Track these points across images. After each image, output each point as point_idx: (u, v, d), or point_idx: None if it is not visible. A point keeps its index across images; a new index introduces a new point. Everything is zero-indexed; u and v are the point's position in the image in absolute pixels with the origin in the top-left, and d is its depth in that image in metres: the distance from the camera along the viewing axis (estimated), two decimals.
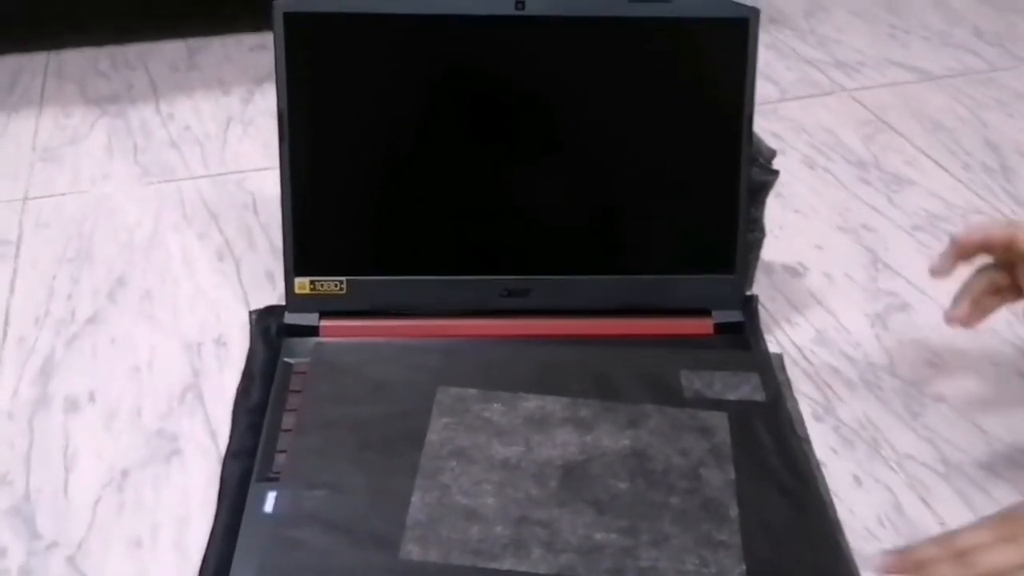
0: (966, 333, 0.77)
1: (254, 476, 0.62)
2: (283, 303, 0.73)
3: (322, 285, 0.72)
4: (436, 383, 0.67)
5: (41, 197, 0.92)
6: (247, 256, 0.84)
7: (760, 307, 0.78)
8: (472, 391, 0.66)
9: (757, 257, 0.79)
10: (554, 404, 0.65)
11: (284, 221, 0.71)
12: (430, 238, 0.73)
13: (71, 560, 0.59)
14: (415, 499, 0.59)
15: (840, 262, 0.85)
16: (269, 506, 0.60)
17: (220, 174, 0.95)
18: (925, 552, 0.53)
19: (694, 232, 0.74)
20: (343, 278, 0.72)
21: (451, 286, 0.73)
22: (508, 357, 0.69)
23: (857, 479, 0.65)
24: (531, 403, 0.65)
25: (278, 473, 0.62)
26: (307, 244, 0.72)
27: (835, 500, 0.64)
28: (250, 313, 0.76)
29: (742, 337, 0.74)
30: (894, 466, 0.66)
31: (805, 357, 0.75)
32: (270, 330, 0.74)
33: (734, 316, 0.74)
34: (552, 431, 0.63)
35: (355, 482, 0.60)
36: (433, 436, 0.63)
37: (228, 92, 1.09)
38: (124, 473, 0.65)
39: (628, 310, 0.74)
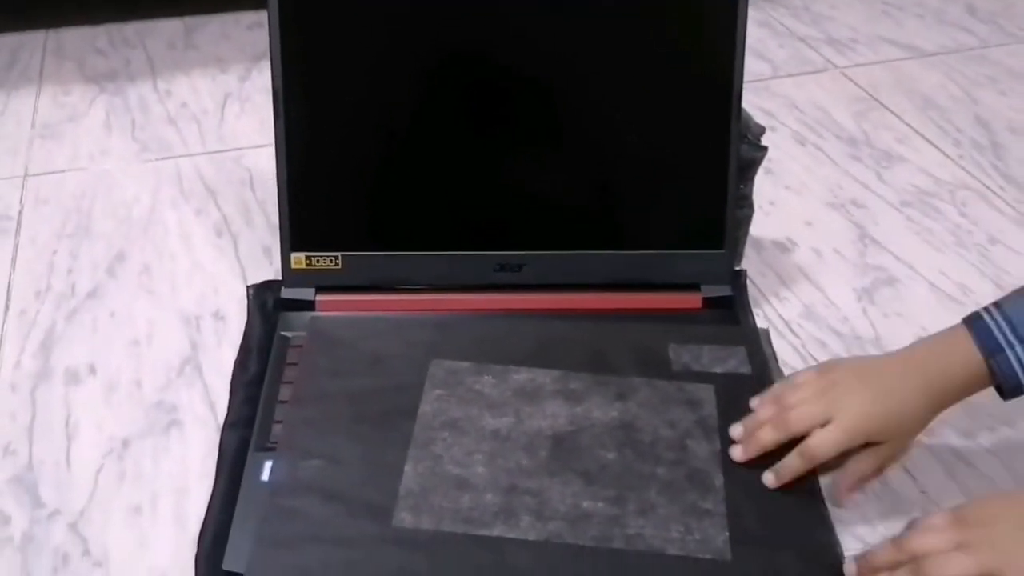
0: (953, 306, 0.78)
1: (252, 446, 0.63)
2: (280, 278, 0.74)
3: (318, 260, 0.74)
4: (430, 356, 0.68)
5: (41, 174, 0.93)
6: (244, 232, 0.85)
7: (749, 282, 0.79)
8: (465, 364, 0.67)
9: (746, 233, 0.80)
10: (544, 377, 0.67)
11: (280, 197, 0.72)
12: (424, 214, 0.74)
13: (73, 527, 0.61)
14: (408, 469, 0.60)
15: (829, 238, 0.86)
16: (266, 475, 0.61)
17: (218, 151, 0.96)
18: (883, 557, 0.55)
19: (684, 208, 0.75)
20: (338, 253, 0.74)
21: (445, 261, 0.74)
22: (501, 331, 0.70)
23: None
24: (522, 375, 0.67)
25: (275, 443, 0.63)
26: (303, 220, 0.73)
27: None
28: (247, 288, 0.77)
29: (731, 311, 0.75)
30: None
31: (793, 331, 0.76)
32: (267, 304, 0.75)
33: (723, 291, 0.75)
34: (542, 403, 0.65)
35: (349, 452, 0.61)
36: (426, 408, 0.64)
37: (225, 70, 1.10)
38: (124, 443, 0.66)
39: (619, 284, 0.75)
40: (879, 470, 0.63)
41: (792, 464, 0.60)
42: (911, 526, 0.58)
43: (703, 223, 0.74)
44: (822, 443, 0.60)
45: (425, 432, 0.63)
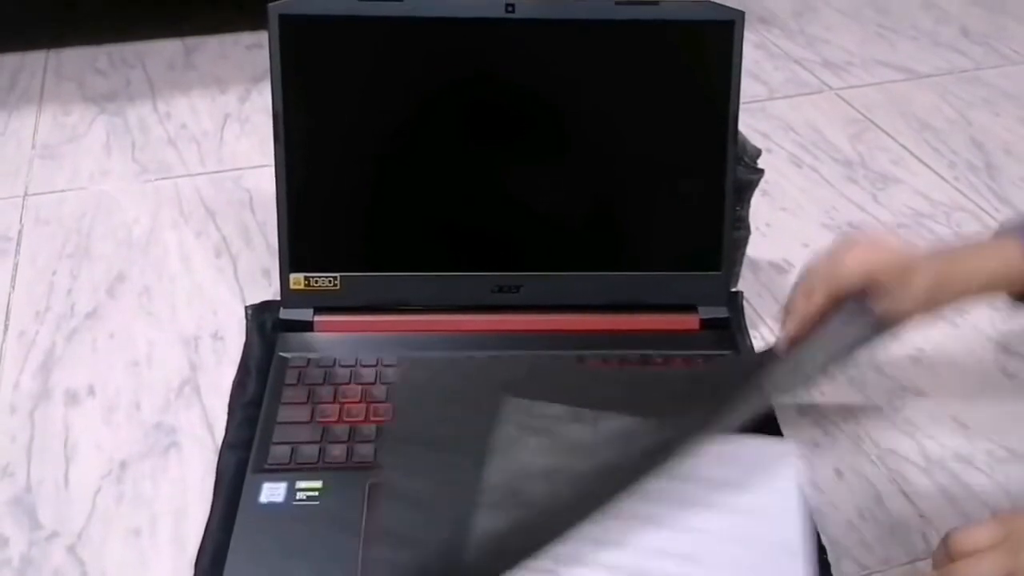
0: (949, 329, 0.79)
1: (250, 467, 0.63)
2: (279, 299, 0.74)
3: (316, 281, 0.74)
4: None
5: (41, 193, 0.93)
6: (244, 253, 0.86)
7: (746, 303, 0.80)
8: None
9: (743, 254, 0.80)
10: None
11: (279, 219, 0.72)
12: (422, 236, 0.74)
13: (71, 549, 0.61)
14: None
15: None
16: (264, 496, 0.61)
17: (217, 171, 0.97)
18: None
19: (681, 229, 0.75)
20: (337, 274, 0.74)
21: (443, 282, 0.74)
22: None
23: (839, 472, 0.67)
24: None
25: (273, 464, 0.63)
26: (302, 241, 0.73)
27: (817, 493, 0.65)
28: (246, 308, 0.77)
29: (727, 332, 0.75)
30: (875, 460, 0.68)
31: None
32: (266, 325, 0.75)
33: (719, 312, 0.75)
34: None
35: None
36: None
37: (225, 90, 1.11)
38: (123, 465, 0.66)
39: (616, 306, 0.75)
40: None
41: None
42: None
43: (700, 245, 0.75)
44: None
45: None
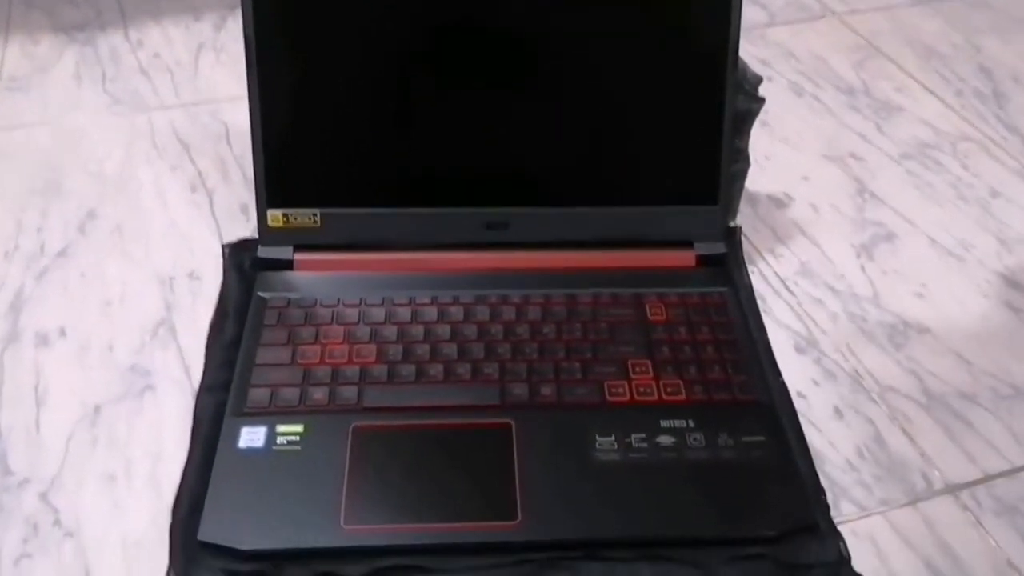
0: (954, 262, 0.76)
1: (228, 411, 0.61)
2: (257, 237, 0.71)
3: (295, 218, 0.71)
4: None
5: (8, 128, 0.89)
6: (220, 188, 0.82)
7: (743, 238, 0.77)
8: None
9: (741, 188, 0.77)
10: None
11: (254, 151, 0.69)
12: (406, 170, 0.71)
13: (44, 497, 0.59)
14: None
15: (826, 192, 0.84)
16: (243, 441, 0.59)
17: (192, 103, 0.93)
18: None
19: (677, 162, 0.72)
20: (317, 210, 0.71)
21: (428, 219, 0.71)
22: None
23: (838, 411, 0.65)
24: None
25: (253, 408, 0.61)
26: (279, 176, 0.70)
27: (815, 432, 0.63)
28: (223, 246, 0.74)
29: (724, 269, 0.72)
30: (876, 398, 0.66)
31: (788, 289, 0.74)
32: (244, 264, 0.72)
33: (717, 248, 0.72)
34: None
35: None
36: None
37: (199, 17, 1.06)
38: (97, 409, 0.64)
39: (610, 242, 0.72)
40: None
41: None
42: None
43: (696, 178, 0.72)
44: None
45: None
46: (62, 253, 0.76)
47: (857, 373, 0.68)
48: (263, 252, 0.71)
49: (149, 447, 0.62)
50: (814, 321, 0.71)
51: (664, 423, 0.61)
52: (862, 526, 0.58)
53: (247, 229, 0.77)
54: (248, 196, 0.80)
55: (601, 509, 0.56)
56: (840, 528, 0.57)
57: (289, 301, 0.68)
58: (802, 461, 0.60)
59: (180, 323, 0.70)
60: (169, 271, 0.74)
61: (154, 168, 0.84)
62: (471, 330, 0.67)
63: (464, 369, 0.64)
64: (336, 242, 0.71)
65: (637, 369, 0.64)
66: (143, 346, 0.68)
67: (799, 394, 0.66)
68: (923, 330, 0.71)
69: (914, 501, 0.60)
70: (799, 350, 0.69)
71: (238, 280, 0.71)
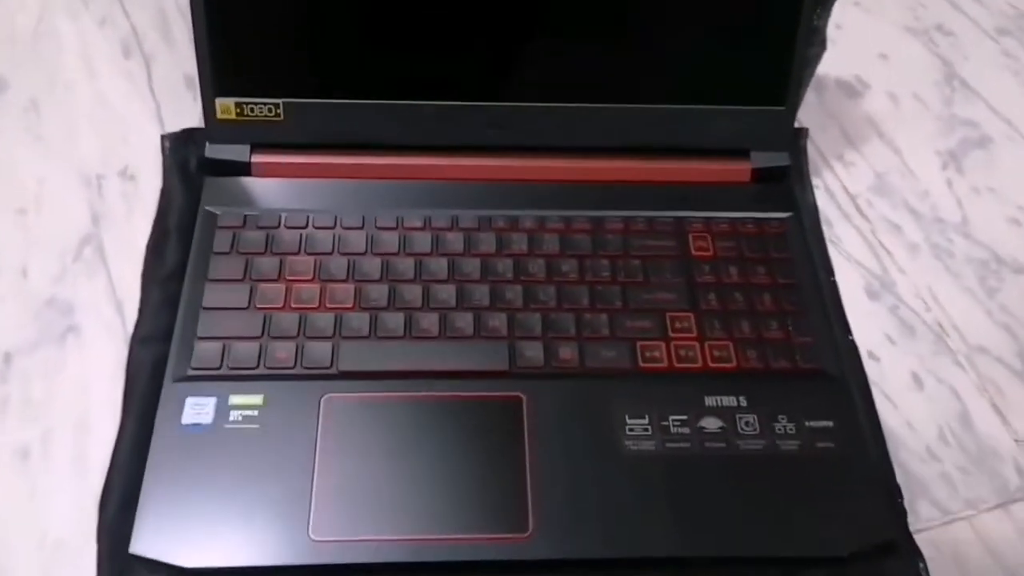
0: None
1: (168, 373, 0.49)
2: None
3: (252, 109, 0.56)
4: None
5: None
6: (161, 52, 0.66)
7: (809, 142, 0.63)
8: None
9: (811, 75, 0.62)
10: None
11: (194, 20, 0.53)
12: (390, 51, 0.55)
13: None
14: None
15: (908, 77, 0.68)
16: (187, 416, 0.47)
17: None
18: None
19: (735, 48, 0.56)
20: (279, 100, 0.55)
21: (419, 113, 0.56)
22: None
23: (917, 379, 0.53)
24: None
25: (199, 370, 0.49)
26: (231, 55, 0.54)
27: (890, 408, 0.52)
28: (162, 138, 0.59)
29: (786, 186, 0.58)
30: (963, 361, 0.54)
31: (860, 211, 0.61)
32: (189, 164, 0.58)
33: (779, 159, 0.58)
34: None
35: None
36: None
37: None
38: (6, 358, 0.51)
39: (645, 148, 0.58)
40: None
41: None
42: None
43: (759, 70, 0.56)
44: None
45: None
46: None
47: (941, 327, 0.56)
48: (211, 151, 0.56)
49: (72, 411, 0.50)
50: (890, 255, 0.59)
51: (709, 400, 0.49)
52: (945, 535, 0.48)
53: (195, 112, 0.61)
54: (195, 65, 0.64)
55: (632, 519, 0.45)
56: (918, 538, 0.47)
57: (245, 219, 0.55)
58: (876, 453, 0.49)
59: (111, 240, 0.56)
60: (96, 167, 0.60)
61: (78, 23, 0.67)
62: (473, 265, 0.54)
63: (464, 321, 0.51)
64: (303, 140, 0.56)
65: (677, 324, 0.52)
66: (64, 272, 0.55)
67: (871, 355, 0.54)
68: (1020, 269, 0.58)
69: (1006, 502, 0.49)
70: (872, 294, 0.57)
71: (182, 186, 0.57)
